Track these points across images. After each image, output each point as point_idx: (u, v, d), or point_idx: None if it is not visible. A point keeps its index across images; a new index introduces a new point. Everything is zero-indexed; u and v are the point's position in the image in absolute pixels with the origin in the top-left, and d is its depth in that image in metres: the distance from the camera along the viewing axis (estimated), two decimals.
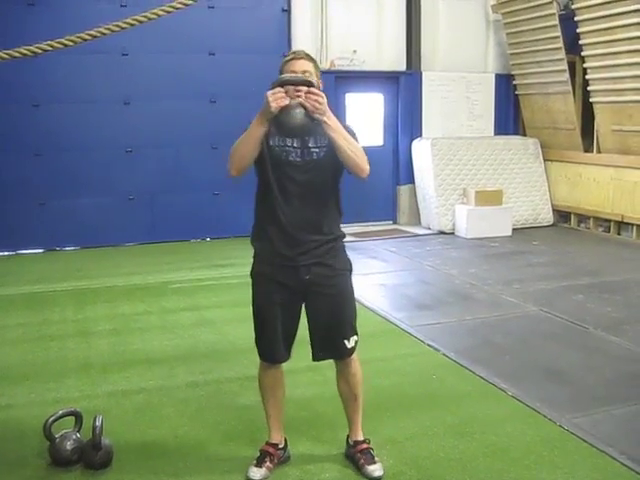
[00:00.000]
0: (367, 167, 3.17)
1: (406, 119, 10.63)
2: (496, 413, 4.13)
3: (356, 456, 3.46)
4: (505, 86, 11.11)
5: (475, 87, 10.97)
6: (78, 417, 3.71)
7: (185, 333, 5.69)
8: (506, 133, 11.17)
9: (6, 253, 8.88)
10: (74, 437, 3.60)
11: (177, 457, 3.64)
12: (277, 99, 2.89)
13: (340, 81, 10.08)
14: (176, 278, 7.52)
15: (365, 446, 3.49)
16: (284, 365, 3.47)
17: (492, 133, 11.16)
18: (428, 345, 5.31)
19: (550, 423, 3.97)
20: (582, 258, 8.51)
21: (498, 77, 11.11)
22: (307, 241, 3.17)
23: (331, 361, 3.47)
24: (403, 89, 10.60)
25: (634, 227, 9.42)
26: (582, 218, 10.39)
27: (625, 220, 9.52)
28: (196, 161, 9.43)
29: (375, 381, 4.48)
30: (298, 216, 3.15)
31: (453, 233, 9.97)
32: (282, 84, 2.92)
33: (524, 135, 11.19)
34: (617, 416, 4.08)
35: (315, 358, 3.43)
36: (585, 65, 9.61)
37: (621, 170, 9.51)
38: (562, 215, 10.72)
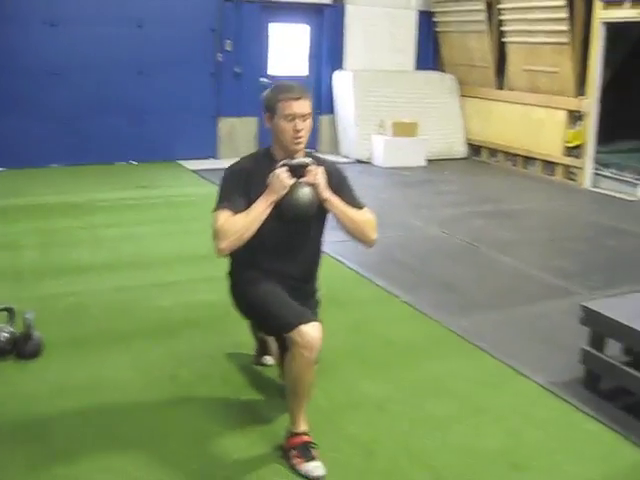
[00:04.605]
0: (373, 237, 3.24)
1: (330, 51, 10.96)
2: (389, 315, 4.70)
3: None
4: (426, 23, 11.52)
5: (398, 22, 11.31)
6: (11, 312, 4.08)
7: (112, 245, 6.06)
8: (426, 68, 11.61)
9: None
10: (7, 330, 3.98)
11: (102, 347, 4.07)
12: (285, 178, 2.99)
13: (265, 10, 10.32)
14: (103, 197, 7.79)
15: None
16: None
17: (412, 68, 11.59)
18: (335, 259, 5.80)
19: (436, 324, 4.56)
20: (488, 188, 9.14)
21: (420, 14, 11.48)
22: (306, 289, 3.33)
23: None
24: (327, 21, 10.88)
25: (539, 162, 10.08)
26: (493, 152, 11.00)
27: (531, 155, 10.17)
28: (122, 85, 9.56)
29: None
30: (299, 268, 3.27)
31: (370, 162, 10.45)
32: (286, 166, 3.03)
33: (442, 71, 11.66)
34: (492, 319, 4.71)
35: None
36: (500, 6, 10.10)
37: (529, 108, 10.11)
38: (475, 149, 11.32)
